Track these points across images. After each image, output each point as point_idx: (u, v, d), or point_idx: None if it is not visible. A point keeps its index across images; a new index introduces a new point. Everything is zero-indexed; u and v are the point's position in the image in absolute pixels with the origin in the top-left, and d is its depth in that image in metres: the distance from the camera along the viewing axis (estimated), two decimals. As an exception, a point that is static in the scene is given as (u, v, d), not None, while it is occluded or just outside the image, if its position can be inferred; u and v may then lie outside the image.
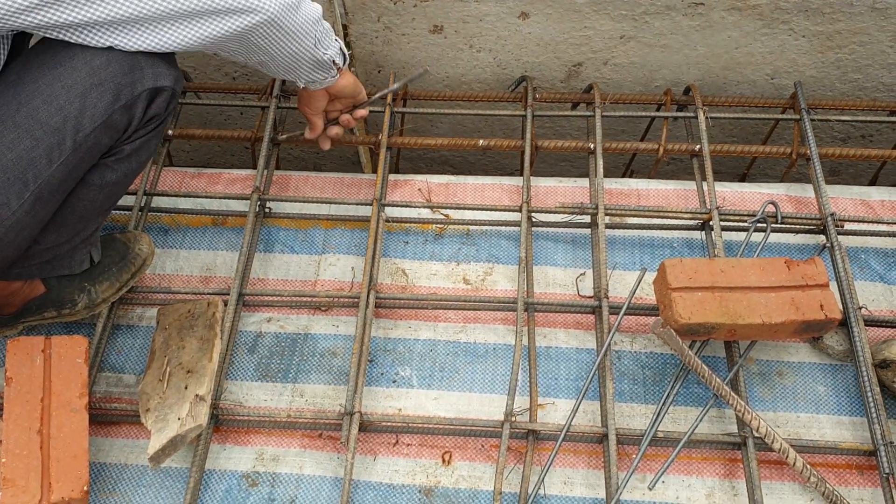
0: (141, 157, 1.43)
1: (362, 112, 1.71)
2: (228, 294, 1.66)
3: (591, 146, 1.87)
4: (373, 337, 1.67)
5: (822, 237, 1.76)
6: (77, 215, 1.42)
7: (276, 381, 1.62)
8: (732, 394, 1.48)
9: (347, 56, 1.56)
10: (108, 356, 1.66)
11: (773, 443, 1.45)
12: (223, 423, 1.56)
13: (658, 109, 2.00)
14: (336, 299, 1.70)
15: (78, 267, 1.56)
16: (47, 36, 1.25)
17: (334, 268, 1.80)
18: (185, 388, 1.50)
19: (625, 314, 1.61)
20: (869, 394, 1.51)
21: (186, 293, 1.70)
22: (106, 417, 1.56)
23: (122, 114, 1.31)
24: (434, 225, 1.87)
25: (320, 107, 1.67)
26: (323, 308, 1.72)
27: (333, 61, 1.51)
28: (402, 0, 1.84)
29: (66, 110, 1.27)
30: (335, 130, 1.73)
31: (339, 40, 1.54)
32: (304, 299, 1.70)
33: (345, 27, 1.93)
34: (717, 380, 1.49)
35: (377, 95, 1.75)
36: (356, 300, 1.67)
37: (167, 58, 1.35)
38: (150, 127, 1.39)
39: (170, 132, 1.92)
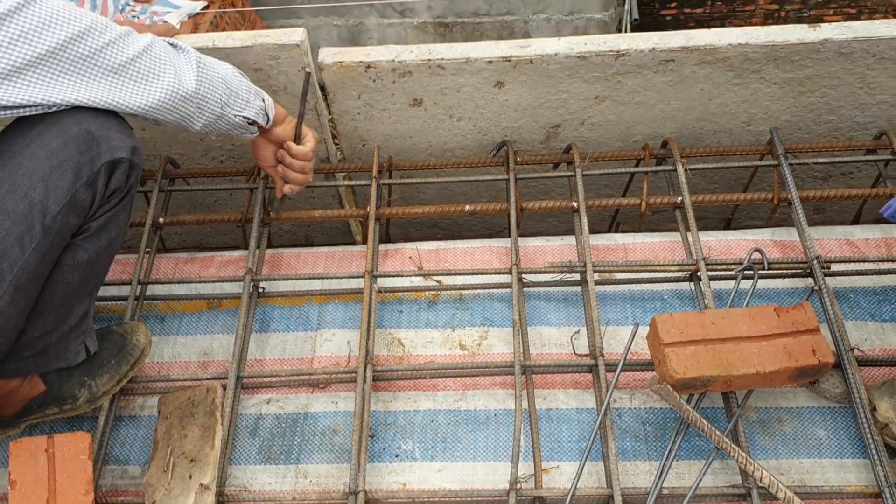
0: (110, 234, 1.45)
1: (292, 161, 1.72)
2: (227, 378, 1.67)
3: (575, 205, 1.90)
4: (372, 411, 1.68)
5: (810, 280, 1.79)
6: (57, 299, 1.44)
7: (279, 462, 1.63)
8: (733, 445, 1.49)
9: (270, 112, 1.62)
10: (112, 449, 1.66)
11: (777, 492, 1.45)
12: (229, 510, 1.56)
13: (637, 164, 2.04)
14: (333, 375, 1.71)
15: (74, 359, 1.57)
16: None
17: (330, 343, 1.81)
18: (190, 477, 1.50)
19: (621, 371, 1.62)
20: (869, 435, 1.52)
21: (186, 380, 1.71)
22: (112, 512, 1.56)
23: (86, 191, 1.35)
24: (427, 292, 1.89)
25: (268, 157, 1.73)
26: (321, 385, 1.73)
27: (249, 120, 1.59)
28: (380, 78, 1.89)
29: (30, 196, 1.30)
30: (287, 188, 1.77)
31: (263, 97, 1.61)
32: (302, 377, 1.72)
33: (328, 106, 1.98)
34: (717, 432, 1.50)
35: (298, 124, 1.70)
36: (354, 375, 1.68)
37: (122, 130, 1.40)
38: (112, 202, 1.42)
39: (161, 220, 1.95)
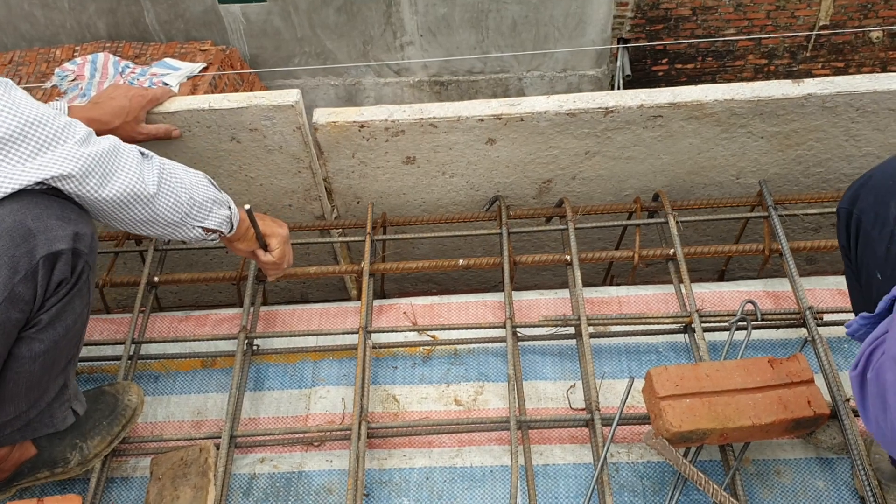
0: (66, 321, 1.39)
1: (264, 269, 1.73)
2: (220, 437, 1.66)
3: (568, 258, 1.91)
4: (367, 469, 1.66)
5: (804, 330, 1.79)
6: (22, 387, 1.40)
7: (272, 524, 1.60)
8: (731, 499, 1.47)
9: (235, 220, 1.58)
10: (102, 512, 1.64)
11: (778, 547, 1.43)
12: (221, 574, 1.53)
13: (630, 217, 2.06)
14: (328, 433, 1.70)
15: (61, 424, 1.56)
16: None
17: (325, 400, 1.80)
18: (181, 540, 1.48)
19: (618, 425, 1.61)
20: (867, 487, 1.50)
21: (179, 440, 1.70)
22: (102, 577, 1.54)
23: (25, 285, 1.29)
24: (421, 347, 1.88)
25: (240, 254, 1.70)
26: (315, 443, 1.71)
27: (208, 229, 1.54)
28: (374, 137, 1.92)
29: None
30: (269, 277, 1.77)
31: (229, 205, 1.56)
32: (297, 436, 1.70)
33: (322, 165, 2.01)
34: (715, 486, 1.48)
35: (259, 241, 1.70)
36: (348, 432, 1.67)
37: (64, 217, 1.33)
38: (61, 293, 1.36)
39: (156, 279, 1.96)
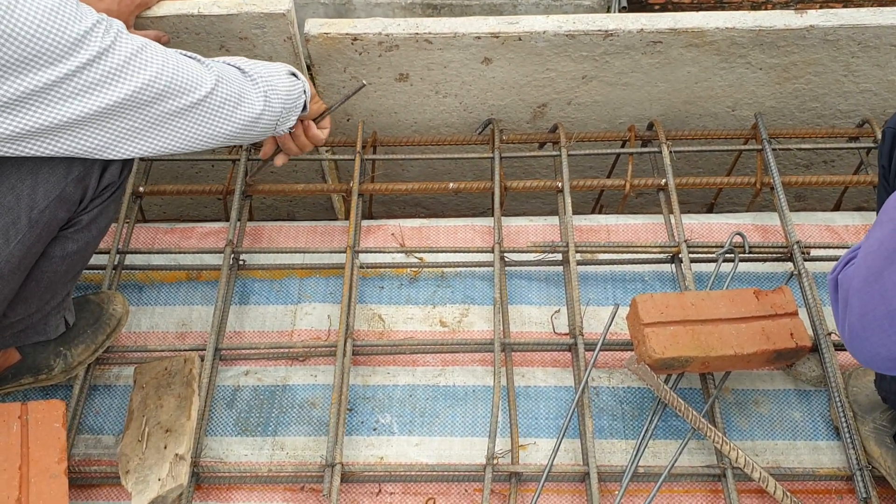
0: (101, 224, 1.42)
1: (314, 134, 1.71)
2: (205, 349, 1.66)
3: (559, 185, 1.90)
4: (351, 385, 1.67)
5: (790, 265, 1.80)
6: (42, 287, 1.41)
7: (255, 434, 1.62)
8: (709, 426, 1.50)
9: (308, 98, 1.59)
10: (86, 418, 1.65)
11: (752, 472, 1.46)
12: (204, 481, 1.55)
13: (623, 145, 2.04)
14: (313, 349, 1.70)
15: (53, 333, 1.55)
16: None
17: (310, 317, 1.80)
18: (165, 447, 1.49)
19: (600, 350, 1.62)
20: (843, 418, 1.53)
21: (163, 350, 1.70)
22: (86, 480, 1.55)
23: (76, 186, 1.31)
24: (409, 269, 1.88)
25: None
26: (300, 358, 1.72)
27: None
28: (367, 51, 1.87)
29: (17, 188, 1.25)
30: (279, 159, 1.74)
31: (304, 89, 1.57)
32: (281, 350, 1.71)
33: (312, 79, 1.96)
34: (694, 412, 1.51)
35: (324, 113, 1.71)
36: (333, 349, 1.68)
37: None
38: (105, 195, 1.38)
39: (141, 189, 1.93)
